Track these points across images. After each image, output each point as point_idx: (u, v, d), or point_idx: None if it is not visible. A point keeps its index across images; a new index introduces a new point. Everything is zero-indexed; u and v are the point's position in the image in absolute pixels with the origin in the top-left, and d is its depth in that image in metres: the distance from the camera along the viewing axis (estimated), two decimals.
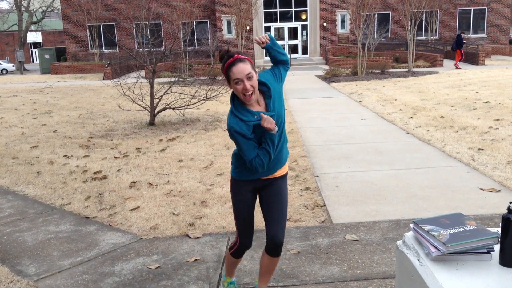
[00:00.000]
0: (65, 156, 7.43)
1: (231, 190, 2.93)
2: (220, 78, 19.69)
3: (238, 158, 2.82)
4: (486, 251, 1.95)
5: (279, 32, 32.28)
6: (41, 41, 50.05)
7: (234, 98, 2.65)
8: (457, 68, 22.18)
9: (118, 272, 3.63)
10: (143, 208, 5.00)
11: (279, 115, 2.69)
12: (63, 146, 8.17)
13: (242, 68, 2.52)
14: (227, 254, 3.11)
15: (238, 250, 3.01)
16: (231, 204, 4.96)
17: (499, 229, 2.10)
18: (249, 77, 2.52)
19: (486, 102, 11.44)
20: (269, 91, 2.68)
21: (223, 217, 4.65)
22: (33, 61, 50.46)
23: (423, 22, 30.55)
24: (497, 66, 23.31)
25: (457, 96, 12.69)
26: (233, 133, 2.61)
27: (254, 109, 2.64)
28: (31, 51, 50.71)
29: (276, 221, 2.81)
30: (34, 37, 49.40)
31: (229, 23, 30.77)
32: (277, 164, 2.81)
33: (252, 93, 2.56)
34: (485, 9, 31.96)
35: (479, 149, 6.92)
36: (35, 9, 41.07)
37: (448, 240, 1.93)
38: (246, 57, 2.58)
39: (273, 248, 2.82)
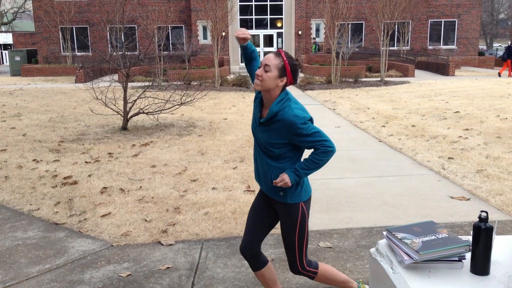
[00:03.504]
0: (34, 160, 7.25)
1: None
2: (195, 83, 19.62)
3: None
4: (457, 259, 1.98)
5: (255, 39, 32.40)
6: (11, 42, 48.92)
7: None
8: (499, 75, 23.04)
9: (87, 280, 3.55)
10: (115, 214, 4.92)
11: (261, 135, 2.64)
12: (33, 150, 7.98)
13: (267, 56, 2.57)
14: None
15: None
16: (204, 210, 4.95)
17: (470, 237, 2.13)
18: (265, 69, 2.53)
19: (456, 112, 11.71)
20: (273, 118, 2.57)
21: (196, 224, 4.60)
22: (3, 63, 49.28)
23: (396, 32, 31.15)
24: (467, 77, 23.91)
25: (428, 106, 12.95)
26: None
27: (263, 108, 2.69)
28: (1, 52, 49.51)
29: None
30: (4, 38, 48.27)
31: (204, 28, 30.74)
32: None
33: (260, 82, 2.54)
34: (455, 21, 32.82)
35: (449, 158, 7.07)
36: (6, 10, 40.20)
37: (420, 248, 1.96)
38: (284, 56, 2.55)
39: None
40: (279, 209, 2.73)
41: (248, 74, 22.23)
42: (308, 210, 2.74)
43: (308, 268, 2.80)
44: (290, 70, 2.55)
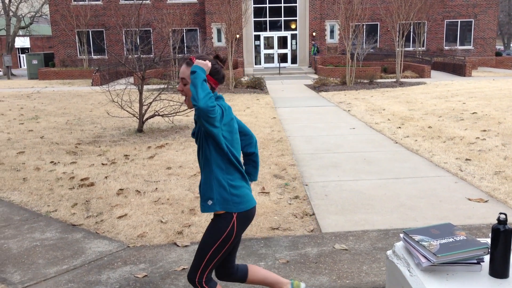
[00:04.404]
0: (52, 162, 7.35)
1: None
2: None
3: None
4: (476, 261, 1.95)
5: (269, 41, 32.44)
6: (29, 46, 49.67)
7: None
8: None
9: (104, 281, 3.58)
10: (131, 215, 4.95)
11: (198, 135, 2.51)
12: (50, 152, 8.08)
13: (181, 70, 2.49)
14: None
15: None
16: None
17: (488, 240, 2.11)
18: (183, 82, 2.47)
19: (473, 113, 11.57)
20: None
21: None
22: (20, 66, 50.04)
23: (411, 33, 30.93)
24: (484, 77, 23.62)
25: (445, 107, 12.81)
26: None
27: None
28: (19, 56, 50.29)
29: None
30: (22, 42, 49.03)
31: (219, 31, 30.86)
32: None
33: (185, 98, 2.49)
34: (472, 21, 32.46)
35: (467, 159, 6.98)
36: (23, 14, 40.81)
37: (438, 251, 1.93)
38: (195, 62, 2.41)
39: None
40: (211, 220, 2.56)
41: (261, 77, 22.26)
42: (240, 229, 2.51)
43: (204, 285, 2.54)
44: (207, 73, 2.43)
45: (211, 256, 2.51)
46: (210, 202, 2.47)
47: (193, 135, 2.55)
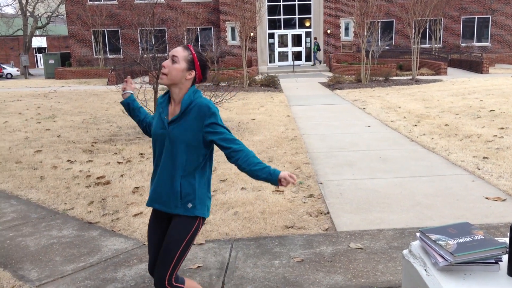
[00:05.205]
0: (68, 161, 7.43)
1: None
2: (224, 84, 19.73)
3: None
4: (494, 261, 1.92)
5: (283, 39, 32.37)
6: (45, 46, 50.28)
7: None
8: None
9: (120, 278, 3.61)
10: (146, 213, 4.99)
11: (172, 135, 2.44)
12: (67, 151, 8.17)
13: (175, 49, 2.45)
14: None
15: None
16: (234, 210, 4.97)
17: (506, 239, 2.07)
18: (173, 60, 2.41)
19: (491, 110, 11.41)
20: (187, 109, 2.43)
21: (226, 224, 4.63)
22: (37, 66, 50.70)
23: (427, 30, 30.59)
24: (501, 74, 23.27)
25: (462, 104, 12.66)
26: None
27: (171, 106, 2.51)
28: (36, 56, 50.97)
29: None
30: (39, 42, 49.66)
31: (233, 29, 30.89)
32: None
33: (166, 75, 2.41)
34: (489, 17, 32.00)
35: (484, 157, 6.89)
36: (40, 14, 41.32)
37: (455, 250, 1.91)
38: (192, 50, 2.45)
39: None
40: (175, 220, 2.49)
41: (275, 75, 22.23)
42: (199, 230, 2.55)
43: (175, 284, 2.50)
44: (199, 65, 2.43)
45: (177, 259, 2.47)
46: (190, 205, 2.45)
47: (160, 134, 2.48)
